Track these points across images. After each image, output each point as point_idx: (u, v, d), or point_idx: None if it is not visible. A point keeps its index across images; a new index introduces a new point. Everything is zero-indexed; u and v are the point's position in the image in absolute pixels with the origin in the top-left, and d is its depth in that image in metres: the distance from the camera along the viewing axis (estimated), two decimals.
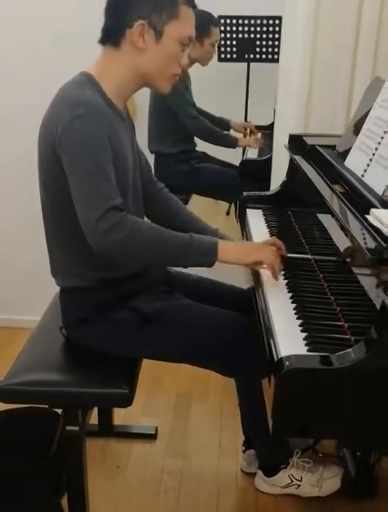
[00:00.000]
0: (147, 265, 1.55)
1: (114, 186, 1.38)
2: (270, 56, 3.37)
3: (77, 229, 1.39)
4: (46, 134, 1.42)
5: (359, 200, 1.37)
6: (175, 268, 1.75)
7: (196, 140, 3.21)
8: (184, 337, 1.52)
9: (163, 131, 3.07)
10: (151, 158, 3.08)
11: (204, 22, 2.95)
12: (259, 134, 3.31)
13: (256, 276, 1.51)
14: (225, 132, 3.20)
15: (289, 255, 1.54)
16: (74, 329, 1.58)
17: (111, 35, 1.45)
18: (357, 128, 1.68)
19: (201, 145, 3.26)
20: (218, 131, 3.13)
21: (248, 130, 3.33)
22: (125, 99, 1.54)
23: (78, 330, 1.58)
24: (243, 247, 1.50)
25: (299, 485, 1.80)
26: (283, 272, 1.48)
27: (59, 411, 1.61)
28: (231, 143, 3.17)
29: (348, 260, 1.38)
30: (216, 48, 3.12)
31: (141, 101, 3.05)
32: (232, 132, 3.32)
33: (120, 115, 1.50)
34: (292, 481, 1.80)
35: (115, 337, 1.55)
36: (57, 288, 1.84)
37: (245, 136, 3.33)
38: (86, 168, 1.35)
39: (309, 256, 1.60)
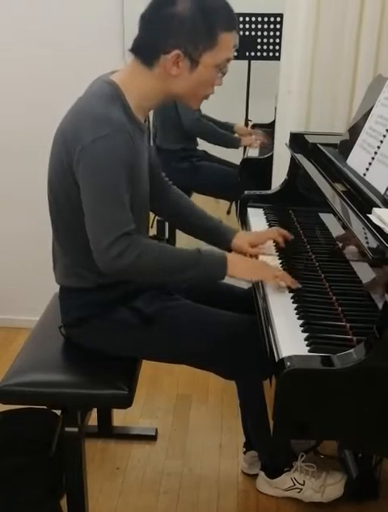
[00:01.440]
0: (158, 282, 1.55)
1: (128, 212, 1.38)
2: (271, 54, 3.35)
3: (79, 234, 1.40)
4: (64, 144, 1.40)
5: (361, 199, 1.36)
6: None
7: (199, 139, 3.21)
8: (184, 338, 1.51)
9: (167, 127, 3.07)
10: None
11: None
12: (261, 133, 3.30)
13: None
14: (228, 133, 3.20)
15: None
16: (73, 329, 1.58)
17: (145, 53, 1.40)
18: (359, 126, 1.67)
19: (202, 144, 3.25)
20: (220, 131, 3.13)
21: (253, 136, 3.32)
22: (147, 112, 1.52)
23: (77, 330, 1.57)
24: (252, 264, 1.52)
25: (301, 489, 1.78)
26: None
27: (58, 412, 1.60)
28: (234, 143, 3.17)
29: (350, 259, 1.37)
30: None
31: None
32: (242, 121, 3.32)
33: (141, 129, 1.47)
34: (294, 485, 1.79)
35: (114, 337, 1.54)
36: (57, 288, 1.83)
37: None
38: (103, 193, 1.34)
39: (311, 255, 1.59)
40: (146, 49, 1.40)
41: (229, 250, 1.70)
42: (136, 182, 1.44)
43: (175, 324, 1.52)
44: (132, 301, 1.53)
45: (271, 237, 1.68)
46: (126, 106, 1.41)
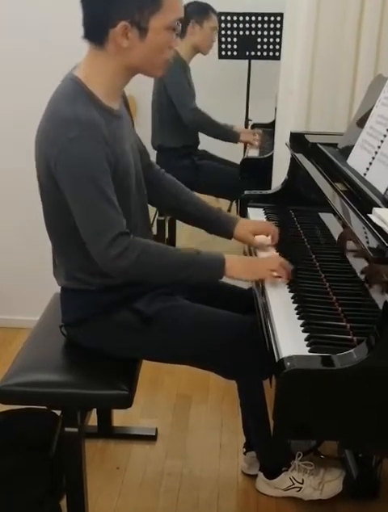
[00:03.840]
0: (157, 283, 1.55)
1: (117, 209, 1.37)
2: (271, 54, 3.36)
3: (74, 240, 1.40)
4: (41, 149, 1.40)
5: (361, 199, 1.36)
6: None
7: (200, 137, 3.19)
8: (185, 339, 1.51)
9: (166, 124, 3.07)
10: (153, 154, 3.07)
11: (202, 7, 2.96)
12: (259, 131, 3.30)
13: None
14: (227, 125, 3.17)
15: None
16: (74, 329, 1.57)
17: (94, 34, 1.39)
18: (359, 125, 1.66)
19: (203, 144, 3.24)
20: (218, 123, 3.10)
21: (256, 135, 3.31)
22: (119, 94, 1.49)
23: (77, 330, 1.57)
24: (249, 264, 1.51)
25: (300, 488, 1.78)
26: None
27: (58, 412, 1.60)
28: (233, 137, 3.14)
29: (350, 260, 1.37)
30: (216, 35, 3.09)
31: (142, 99, 3.04)
32: (241, 129, 3.31)
33: (117, 116, 1.46)
34: (293, 484, 1.79)
35: (115, 337, 1.54)
36: (57, 288, 1.83)
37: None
38: (89, 196, 1.34)
39: (311, 255, 1.58)
40: (94, 29, 1.38)
41: (230, 238, 1.71)
42: (124, 173, 1.43)
43: (175, 324, 1.52)
44: (132, 302, 1.53)
45: (270, 230, 1.68)
46: (93, 99, 1.39)
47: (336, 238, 1.51)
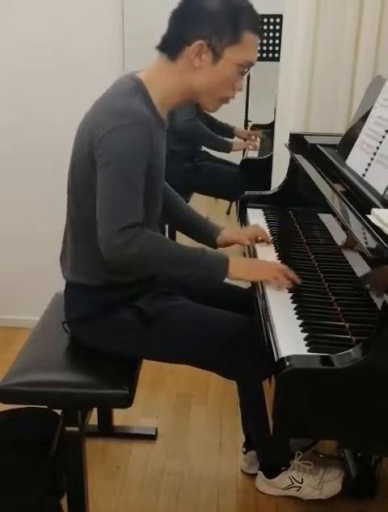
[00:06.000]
0: (158, 277, 1.55)
1: (139, 203, 1.38)
2: (271, 55, 3.36)
3: (92, 231, 1.40)
4: (88, 135, 1.41)
5: (360, 200, 1.37)
6: None
7: None
8: (185, 338, 1.51)
9: (170, 128, 3.06)
10: None
11: None
12: (258, 135, 3.30)
13: None
14: (220, 137, 3.19)
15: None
16: (76, 326, 1.58)
17: (170, 47, 1.44)
18: (358, 127, 1.67)
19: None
20: (212, 135, 3.12)
21: (255, 137, 3.31)
22: (169, 109, 1.53)
23: (79, 327, 1.57)
24: (253, 266, 1.52)
25: (300, 487, 1.79)
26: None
27: (58, 412, 1.61)
28: (225, 147, 3.17)
29: (349, 260, 1.38)
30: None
31: None
32: (235, 139, 3.31)
33: (163, 125, 1.50)
34: (293, 483, 1.80)
35: (116, 336, 1.54)
36: (57, 289, 1.84)
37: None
38: (116, 180, 1.35)
39: (310, 255, 1.59)
40: (172, 43, 1.44)
41: (215, 247, 1.74)
42: (154, 176, 1.46)
43: (175, 324, 1.52)
44: (134, 301, 1.53)
45: (253, 234, 1.71)
46: (149, 100, 1.43)
47: (335, 239, 1.52)
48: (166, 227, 3.18)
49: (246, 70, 1.46)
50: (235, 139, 3.34)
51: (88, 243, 1.48)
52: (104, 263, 1.42)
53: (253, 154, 3.10)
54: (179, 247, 1.46)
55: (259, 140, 3.27)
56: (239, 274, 1.47)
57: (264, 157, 2.87)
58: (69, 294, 1.60)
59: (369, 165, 1.48)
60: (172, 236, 3.35)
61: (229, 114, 3.31)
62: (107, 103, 1.42)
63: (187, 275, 1.44)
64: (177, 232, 3.32)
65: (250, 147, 3.17)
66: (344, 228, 1.36)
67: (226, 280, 1.55)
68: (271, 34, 3.32)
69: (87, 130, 1.42)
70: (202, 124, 3.06)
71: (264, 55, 3.37)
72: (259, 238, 1.72)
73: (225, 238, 1.74)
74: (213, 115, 3.19)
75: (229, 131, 3.33)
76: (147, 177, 1.41)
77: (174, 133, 3.01)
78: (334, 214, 1.43)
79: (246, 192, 2.05)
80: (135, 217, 1.37)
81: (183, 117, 2.98)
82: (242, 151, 3.36)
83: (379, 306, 1.08)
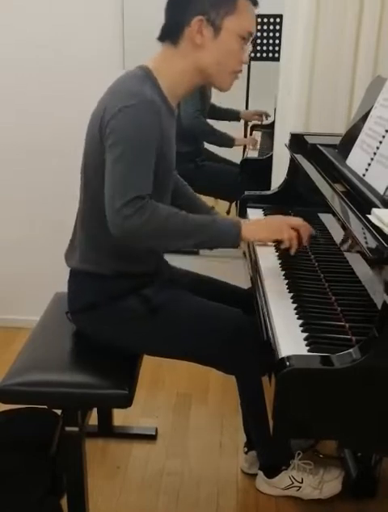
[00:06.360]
0: (170, 248, 1.54)
1: (148, 179, 1.39)
2: (270, 55, 3.35)
3: (103, 219, 1.40)
4: (96, 119, 1.44)
5: (360, 200, 1.36)
6: (178, 266, 1.77)
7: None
8: (185, 331, 1.52)
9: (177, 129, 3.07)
10: None
11: None
12: (258, 134, 3.30)
13: (256, 271, 1.50)
14: (222, 132, 3.19)
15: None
16: (81, 315, 1.58)
17: (170, 34, 1.47)
18: (358, 126, 1.67)
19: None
20: (217, 131, 3.12)
21: (261, 117, 3.30)
22: (179, 98, 1.55)
23: (84, 315, 1.57)
24: (266, 222, 1.53)
25: (300, 487, 1.79)
26: (283, 272, 1.48)
27: (58, 412, 1.61)
28: (227, 142, 3.17)
29: (349, 260, 1.38)
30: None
31: None
32: (242, 123, 3.31)
33: (173, 113, 1.52)
34: (293, 483, 1.79)
35: (120, 325, 1.54)
36: (57, 289, 1.84)
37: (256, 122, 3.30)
38: (125, 154, 1.36)
39: (311, 255, 1.59)
40: (172, 28, 1.46)
41: None
42: (164, 169, 1.47)
43: (178, 316, 1.53)
44: (141, 289, 1.54)
45: None
46: (158, 87, 1.45)
47: (335, 239, 1.51)
48: None
49: (247, 40, 1.48)
50: (246, 111, 3.34)
51: (99, 230, 1.48)
52: (114, 252, 1.42)
53: (253, 154, 3.10)
54: (189, 216, 1.44)
55: (265, 117, 3.26)
56: (252, 235, 1.47)
57: (264, 156, 2.87)
58: (75, 283, 1.60)
59: (369, 165, 1.48)
60: None
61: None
62: (117, 88, 1.46)
63: (199, 243, 1.45)
64: None
65: (251, 146, 3.17)
66: (344, 228, 1.36)
67: (226, 279, 1.55)
68: (271, 34, 3.31)
69: (97, 116, 1.44)
70: (207, 121, 3.07)
71: (264, 55, 3.36)
72: None
73: None
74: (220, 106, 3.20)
75: (235, 115, 3.33)
76: (159, 171, 1.42)
77: (179, 133, 3.02)
78: (334, 214, 1.43)
79: (246, 192, 2.05)
80: (142, 191, 1.37)
81: (190, 115, 2.98)
82: (242, 151, 3.36)
83: (379, 306, 1.08)
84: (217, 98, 3.29)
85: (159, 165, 1.43)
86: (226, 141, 3.16)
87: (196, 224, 1.43)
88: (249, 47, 1.50)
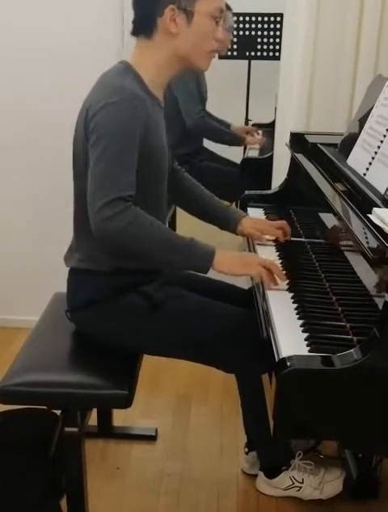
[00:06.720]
0: (143, 260, 1.52)
1: (130, 177, 1.39)
2: (271, 54, 3.36)
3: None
4: (81, 119, 1.46)
5: (361, 199, 1.36)
6: None
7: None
8: (187, 328, 1.52)
9: (174, 131, 3.06)
10: None
11: None
12: (261, 132, 3.29)
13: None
14: (231, 132, 3.18)
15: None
16: (81, 312, 1.57)
17: (143, 27, 1.47)
18: (359, 126, 1.67)
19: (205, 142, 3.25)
20: (224, 130, 3.11)
21: (254, 133, 3.30)
22: (163, 87, 1.56)
23: (84, 313, 1.56)
24: (239, 258, 1.50)
25: (300, 488, 1.79)
26: (284, 272, 1.47)
27: (58, 412, 1.60)
28: (238, 142, 3.15)
29: (350, 260, 1.37)
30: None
31: None
32: (242, 121, 3.30)
33: (158, 103, 1.52)
34: (293, 483, 1.79)
35: (121, 321, 1.54)
36: (57, 289, 1.83)
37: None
38: (106, 152, 1.36)
39: (311, 255, 1.59)
40: (144, 22, 1.46)
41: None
42: (155, 157, 1.47)
43: (177, 313, 1.53)
44: (142, 286, 1.53)
45: (276, 233, 1.70)
46: (140, 80, 1.46)
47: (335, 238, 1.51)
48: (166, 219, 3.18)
49: (219, 18, 1.48)
50: (239, 126, 3.33)
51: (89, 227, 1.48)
52: (112, 249, 1.42)
53: (253, 154, 3.10)
54: (169, 232, 1.46)
55: (260, 135, 3.25)
56: (222, 267, 1.45)
57: (265, 156, 2.86)
58: (74, 280, 1.59)
59: (370, 164, 1.48)
60: (172, 228, 3.35)
61: (229, 113, 3.32)
62: (100, 85, 1.47)
63: (172, 262, 1.44)
64: (176, 225, 3.33)
65: (256, 146, 3.16)
66: (345, 227, 1.35)
67: (227, 279, 1.55)
68: (271, 33, 3.32)
69: (83, 113, 1.45)
70: (211, 121, 3.05)
71: (265, 54, 3.37)
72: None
73: (243, 230, 1.73)
74: (211, 111, 3.19)
75: (225, 126, 3.32)
76: (149, 158, 1.42)
77: (184, 134, 3.01)
78: (335, 213, 1.42)
79: (247, 191, 2.05)
80: (124, 191, 1.37)
81: (194, 115, 2.97)
82: (242, 150, 3.36)
83: (380, 306, 1.07)
84: (217, 98, 3.28)
85: (151, 154, 1.44)
86: (235, 140, 3.15)
87: (175, 242, 1.43)
88: (221, 22, 1.49)
